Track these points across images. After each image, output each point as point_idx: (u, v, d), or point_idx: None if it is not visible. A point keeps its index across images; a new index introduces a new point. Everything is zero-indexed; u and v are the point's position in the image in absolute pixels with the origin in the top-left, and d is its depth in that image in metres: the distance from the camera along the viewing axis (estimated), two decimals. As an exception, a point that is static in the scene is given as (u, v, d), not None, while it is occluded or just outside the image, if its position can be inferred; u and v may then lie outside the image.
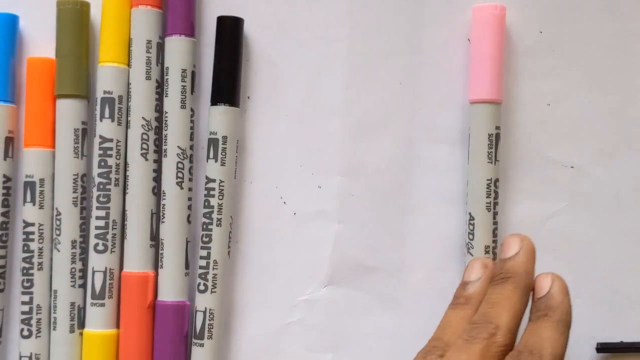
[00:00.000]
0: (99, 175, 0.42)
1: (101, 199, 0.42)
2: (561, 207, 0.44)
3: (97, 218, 0.42)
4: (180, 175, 0.42)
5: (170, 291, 0.42)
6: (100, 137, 0.42)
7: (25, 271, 0.42)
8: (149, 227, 0.42)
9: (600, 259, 0.44)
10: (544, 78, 0.44)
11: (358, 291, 0.44)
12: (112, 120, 0.42)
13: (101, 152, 0.42)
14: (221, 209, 0.42)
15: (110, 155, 0.42)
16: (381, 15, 0.44)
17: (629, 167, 0.44)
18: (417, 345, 0.35)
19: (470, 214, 0.42)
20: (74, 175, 0.42)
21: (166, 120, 0.42)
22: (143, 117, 0.42)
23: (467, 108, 0.43)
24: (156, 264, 0.43)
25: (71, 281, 0.42)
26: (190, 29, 0.43)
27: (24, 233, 0.42)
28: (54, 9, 0.43)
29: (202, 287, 0.42)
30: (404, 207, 0.44)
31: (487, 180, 0.42)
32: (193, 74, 0.43)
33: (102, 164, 0.42)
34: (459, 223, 0.44)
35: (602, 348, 0.43)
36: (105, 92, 0.42)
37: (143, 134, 0.42)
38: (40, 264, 0.42)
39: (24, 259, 0.42)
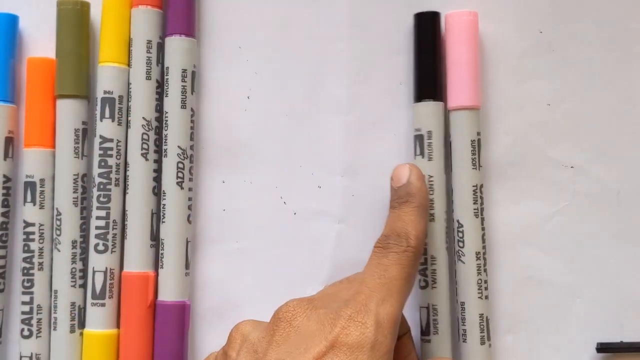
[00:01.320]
0: (99, 175, 0.42)
1: (101, 199, 0.42)
2: (561, 207, 0.44)
3: (98, 218, 0.42)
4: (180, 175, 0.42)
5: (170, 291, 0.42)
6: (101, 137, 0.42)
7: (25, 271, 0.42)
8: (149, 227, 0.42)
9: (600, 259, 0.44)
10: (543, 78, 0.44)
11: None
12: (113, 120, 0.42)
13: (101, 152, 0.42)
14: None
15: (111, 155, 0.42)
16: (381, 15, 0.44)
17: (629, 167, 0.44)
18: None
19: (458, 221, 0.42)
20: (74, 175, 0.42)
21: (166, 120, 0.42)
22: (143, 117, 0.42)
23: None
24: (156, 264, 0.43)
25: (71, 281, 0.42)
26: (191, 29, 0.43)
27: (24, 233, 0.42)
28: (54, 9, 0.43)
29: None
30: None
31: (473, 186, 0.42)
32: (193, 74, 0.43)
33: (103, 164, 0.42)
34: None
35: (602, 348, 0.43)
36: (105, 92, 0.42)
37: (143, 134, 0.42)
38: (40, 264, 0.42)
39: (24, 259, 0.42)
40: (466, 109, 0.42)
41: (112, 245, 0.42)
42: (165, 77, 0.43)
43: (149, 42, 0.43)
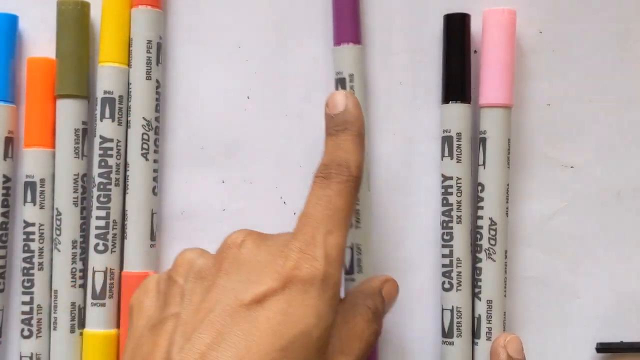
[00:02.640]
0: (99, 175, 0.42)
1: (101, 199, 0.42)
2: (561, 207, 0.44)
3: (98, 218, 0.42)
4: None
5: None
6: (101, 137, 0.42)
7: (25, 271, 0.42)
8: (149, 227, 0.42)
9: (600, 259, 0.44)
10: (544, 78, 0.44)
11: (358, 291, 0.44)
12: (113, 120, 0.42)
13: (101, 152, 0.42)
14: None
15: (111, 155, 0.42)
16: (381, 15, 0.44)
17: (629, 167, 0.44)
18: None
19: (491, 219, 0.42)
20: (74, 175, 0.42)
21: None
22: (143, 117, 0.42)
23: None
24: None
25: (71, 281, 0.42)
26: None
27: (24, 233, 0.42)
28: (54, 9, 0.43)
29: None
30: (404, 206, 0.44)
31: (507, 185, 0.42)
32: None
33: (103, 164, 0.42)
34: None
35: (602, 348, 0.43)
36: (105, 92, 0.42)
37: (143, 134, 0.42)
38: (40, 264, 0.42)
39: (24, 259, 0.42)
40: (502, 106, 0.42)
41: (112, 245, 0.42)
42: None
43: (149, 42, 0.43)
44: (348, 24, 0.43)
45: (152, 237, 0.43)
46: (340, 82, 0.43)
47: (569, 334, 0.44)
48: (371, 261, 0.43)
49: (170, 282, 0.36)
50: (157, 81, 0.43)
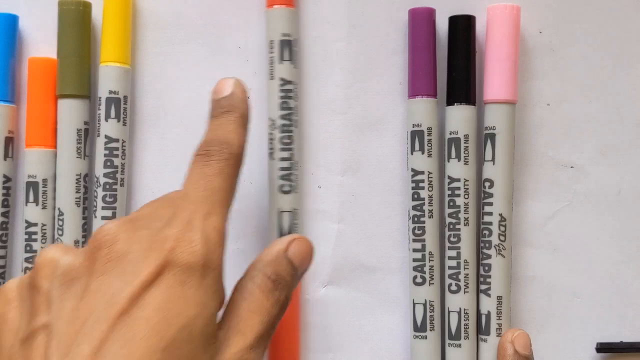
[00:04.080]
0: (105, 175, 0.42)
1: (107, 199, 0.42)
2: (561, 207, 0.44)
3: (103, 218, 0.42)
4: None
5: None
6: (106, 137, 0.42)
7: (27, 271, 0.42)
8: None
9: (600, 258, 0.44)
10: (544, 78, 0.44)
11: (358, 291, 0.44)
12: (118, 121, 0.42)
13: (107, 152, 0.42)
14: None
15: (117, 155, 0.42)
16: (380, 15, 0.44)
17: (630, 166, 0.44)
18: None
19: (501, 214, 0.42)
20: (76, 175, 0.42)
21: None
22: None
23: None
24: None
25: (73, 281, 0.42)
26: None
27: (27, 233, 0.42)
28: (55, 9, 0.43)
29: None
30: (404, 206, 0.44)
31: (512, 182, 0.43)
32: None
33: (108, 164, 0.42)
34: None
35: (602, 348, 0.43)
36: (110, 92, 0.42)
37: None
38: (42, 264, 0.42)
39: (26, 259, 0.42)
40: (510, 102, 0.42)
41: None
42: None
43: (271, 41, 0.43)
44: None
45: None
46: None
47: (569, 334, 0.44)
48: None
49: (33, 287, 0.33)
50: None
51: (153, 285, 0.31)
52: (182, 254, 0.32)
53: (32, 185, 0.42)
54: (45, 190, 0.42)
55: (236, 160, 0.36)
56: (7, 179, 0.43)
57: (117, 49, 0.43)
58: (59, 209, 0.42)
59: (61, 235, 0.42)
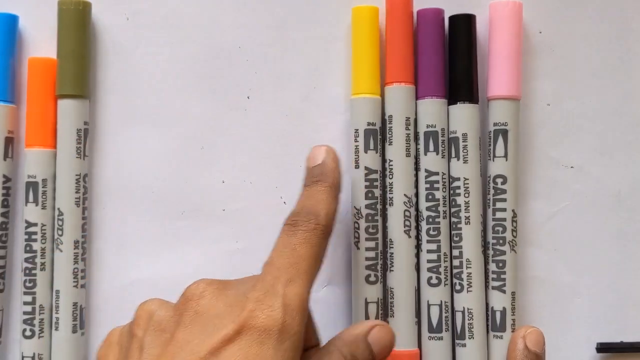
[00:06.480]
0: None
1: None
2: (561, 207, 0.44)
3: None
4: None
5: None
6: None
7: (27, 271, 0.42)
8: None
9: (600, 258, 0.44)
10: (544, 78, 0.44)
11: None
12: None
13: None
14: None
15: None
16: (380, 15, 0.44)
17: (630, 166, 0.44)
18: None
19: (513, 211, 0.42)
20: (76, 175, 0.42)
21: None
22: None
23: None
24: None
25: (73, 281, 0.42)
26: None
27: (26, 233, 0.42)
28: (54, 9, 0.43)
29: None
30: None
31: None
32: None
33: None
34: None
35: (602, 348, 0.43)
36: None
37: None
38: (42, 264, 0.42)
39: (26, 259, 0.42)
40: (516, 99, 0.42)
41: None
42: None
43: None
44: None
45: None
46: None
47: (569, 334, 0.44)
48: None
49: (131, 335, 0.36)
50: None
51: (233, 342, 0.33)
52: (261, 317, 0.33)
53: (31, 186, 0.42)
54: (45, 191, 0.42)
55: (323, 231, 0.36)
56: (7, 179, 0.43)
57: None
58: (58, 209, 0.42)
59: (61, 235, 0.42)
